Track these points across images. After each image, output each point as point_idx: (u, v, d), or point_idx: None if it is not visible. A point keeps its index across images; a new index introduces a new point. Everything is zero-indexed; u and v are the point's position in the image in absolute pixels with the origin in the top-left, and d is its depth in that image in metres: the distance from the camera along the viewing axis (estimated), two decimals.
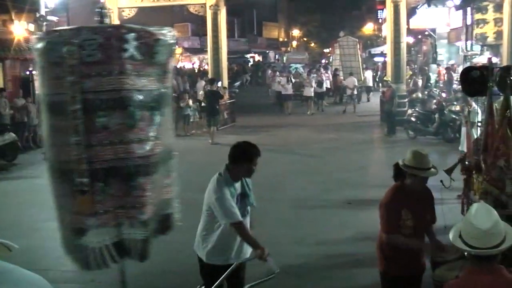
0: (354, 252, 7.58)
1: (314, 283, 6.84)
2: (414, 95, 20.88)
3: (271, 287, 4.63)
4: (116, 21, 20.85)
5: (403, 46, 20.23)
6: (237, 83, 36.97)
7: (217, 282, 4.50)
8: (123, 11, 20.98)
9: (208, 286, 4.53)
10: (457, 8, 25.55)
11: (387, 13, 21.28)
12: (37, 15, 20.56)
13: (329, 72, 31.15)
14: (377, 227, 4.92)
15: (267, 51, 58.65)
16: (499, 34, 20.45)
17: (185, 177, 5.61)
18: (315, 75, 28.24)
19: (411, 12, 25.94)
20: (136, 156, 3.58)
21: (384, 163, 11.69)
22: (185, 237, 5.35)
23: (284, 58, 55.54)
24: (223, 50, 21.57)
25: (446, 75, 24.79)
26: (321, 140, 17.44)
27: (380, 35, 51.22)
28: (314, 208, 9.92)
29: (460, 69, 19.76)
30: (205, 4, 20.82)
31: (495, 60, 17.05)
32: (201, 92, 20.11)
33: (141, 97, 3.58)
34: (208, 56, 22.16)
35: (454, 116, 15.77)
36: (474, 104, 10.94)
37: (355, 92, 26.56)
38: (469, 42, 24.03)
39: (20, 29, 18.66)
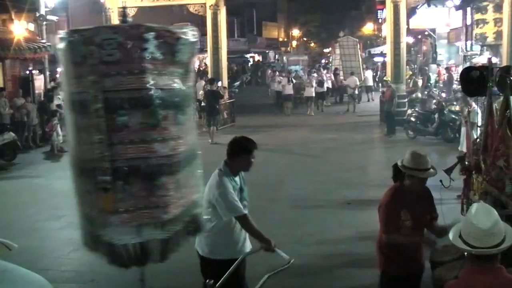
0: (353, 252, 7.59)
1: (314, 283, 6.84)
2: (413, 95, 20.88)
3: (271, 286, 4.63)
4: (116, 21, 20.85)
5: (403, 46, 20.24)
6: (237, 83, 36.99)
7: (226, 274, 4.57)
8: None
9: (216, 281, 4.56)
10: (457, 8, 25.55)
11: (387, 13, 21.28)
12: (37, 14, 20.60)
13: (330, 72, 31.07)
14: (376, 227, 4.92)
15: (267, 51, 58.68)
16: (498, 34, 20.45)
17: None
18: (315, 74, 28.23)
19: (411, 12, 25.94)
20: (159, 155, 3.57)
21: (384, 163, 11.69)
22: None
23: (284, 59, 55.54)
24: (223, 50, 21.58)
25: (446, 75, 24.80)
26: (320, 140, 17.44)
27: (380, 35, 51.21)
28: (314, 208, 9.93)
29: (460, 69, 19.77)
30: (205, 4, 20.84)
31: (494, 60, 17.05)
32: (200, 92, 20.11)
33: (163, 96, 3.57)
34: (208, 56, 22.17)
35: (453, 116, 15.77)
36: (474, 104, 10.95)
37: (356, 92, 26.59)
38: (469, 42, 24.02)
39: (20, 28, 18.66)
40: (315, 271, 7.07)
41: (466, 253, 3.13)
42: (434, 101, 18.17)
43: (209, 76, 21.32)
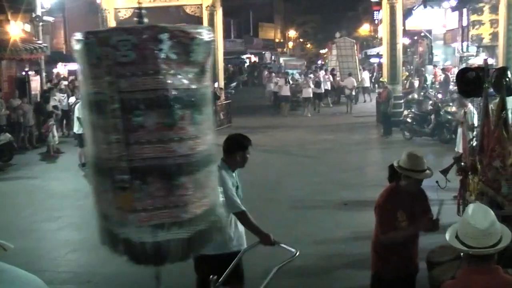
0: (351, 253, 7.60)
1: (313, 283, 6.86)
2: (410, 96, 20.91)
3: (271, 287, 4.63)
4: (112, 22, 20.86)
5: (399, 47, 20.27)
6: (233, 84, 36.96)
7: (227, 270, 4.65)
8: (119, 11, 20.95)
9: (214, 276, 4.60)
10: (453, 9, 25.59)
11: (383, 14, 21.31)
12: (33, 15, 20.55)
13: (328, 73, 30.99)
14: (373, 228, 4.92)
15: (263, 52, 58.66)
16: (495, 36, 20.49)
17: None
18: (311, 75, 28.24)
19: (407, 13, 25.96)
20: (177, 155, 3.59)
21: (380, 164, 11.71)
22: None
23: (281, 60, 55.55)
24: (219, 51, 21.59)
25: (442, 76, 24.83)
26: (317, 141, 17.46)
27: (376, 36, 51.26)
28: (311, 209, 9.93)
29: (456, 70, 19.81)
30: (201, 5, 20.84)
31: (490, 61, 17.07)
32: None
33: (178, 96, 3.58)
34: None
35: (450, 117, 15.80)
36: (470, 105, 10.98)
37: (353, 93, 26.64)
38: (465, 43, 24.06)
39: (16, 29, 18.61)
40: (314, 272, 7.08)
41: (462, 254, 3.14)
42: (430, 102, 18.19)
43: None
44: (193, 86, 3.68)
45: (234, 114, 22.38)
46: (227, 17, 26.73)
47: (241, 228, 5.08)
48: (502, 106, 5.61)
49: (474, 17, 21.60)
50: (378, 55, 35.26)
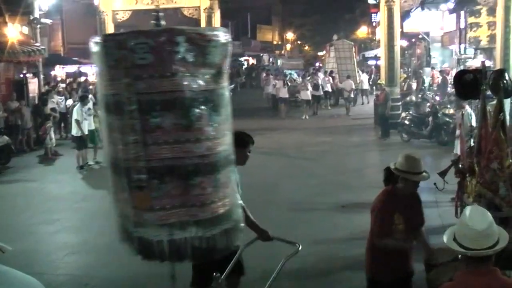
0: (349, 255, 7.59)
1: (311, 285, 6.87)
2: (408, 98, 20.94)
3: None
4: (110, 24, 20.85)
5: (397, 50, 20.28)
6: (231, 86, 36.89)
7: (229, 267, 4.71)
8: (117, 14, 20.95)
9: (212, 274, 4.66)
10: (451, 11, 25.66)
11: (381, 17, 21.34)
12: (31, 17, 20.54)
13: (328, 75, 30.94)
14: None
15: (261, 54, 58.71)
16: (492, 38, 20.54)
17: None
18: (309, 77, 28.25)
19: (405, 15, 26.01)
20: (194, 155, 3.65)
21: (378, 166, 11.66)
22: None
23: (279, 62, 55.60)
24: None
25: (440, 78, 24.86)
26: (315, 143, 17.46)
27: (374, 38, 51.31)
28: (309, 211, 9.94)
29: (453, 72, 19.81)
30: (199, 7, 20.84)
31: (488, 63, 17.13)
32: None
33: (195, 97, 3.64)
34: None
35: (447, 119, 15.82)
36: (467, 107, 11.00)
37: (352, 95, 26.67)
38: (462, 46, 24.12)
39: (14, 31, 18.59)
40: (312, 274, 7.09)
41: (460, 256, 3.15)
42: (428, 104, 18.22)
43: None
44: (210, 87, 3.73)
45: (232, 116, 22.33)
46: (225, 19, 26.73)
47: None
48: (500, 108, 5.62)
49: (471, 19, 21.67)
50: (376, 57, 35.30)
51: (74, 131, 14.30)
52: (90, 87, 23.54)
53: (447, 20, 26.88)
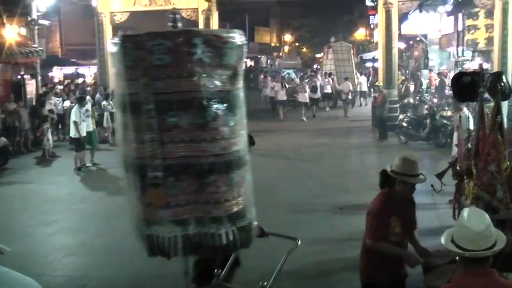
0: (347, 256, 7.58)
1: (310, 286, 6.86)
2: (405, 100, 20.96)
3: None
4: (108, 26, 20.84)
5: (395, 52, 20.32)
6: None
7: (228, 264, 4.80)
8: (115, 15, 20.94)
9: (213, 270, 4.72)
10: (449, 14, 25.71)
11: (379, 19, 21.39)
12: (29, 19, 20.51)
13: (328, 76, 30.90)
14: None
15: (259, 56, 58.72)
16: (490, 40, 20.59)
17: None
18: (307, 80, 28.26)
19: (403, 17, 26.07)
20: (209, 154, 3.72)
21: (376, 168, 11.66)
22: None
23: (276, 63, 55.64)
24: None
25: (438, 81, 24.91)
26: (313, 145, 17.47)
27: (372, 40, 51.42)
28: (307, 213, 9.94)
29: (451, 74, 19.85)
30: (197, 9, 20.85)
31: (486, 66, 17.17)
32: None
33: (211, 98, 3.72)
34: None
35: (445, 121, 15.84)
36: (465, 110, 11.00)
37: (350, 97, 26.68)
38: (460, 48, 24.18)
39: (11, 33, 18.58)
40: (311, 275, 7.10)
41: (458, 257, 3.15)
42: (426, 106, 18.23)
43: None
44: (226, 88, 3.81)
45: None
46: (222, 21, 26.68)
47: None
48: (497, 111, 5.63)
49: (469, 22, 21.72)
50: (374, 60, 35.32)
51: (73, 133, 14.28)
52: (88, 88, 23.53)
53: (445, 23, 26.94)
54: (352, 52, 34.35)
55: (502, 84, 5.88)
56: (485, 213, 3.13)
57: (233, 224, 3.79)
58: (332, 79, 29.80)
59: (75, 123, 14.04)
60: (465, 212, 3.11)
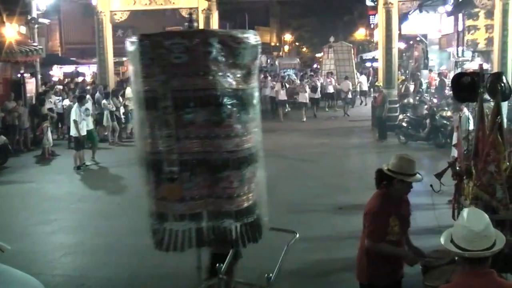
0: (347, 256, 7.57)
1: (310, 285, 6.86)
2: (405, 101, 20.95)
3: None
4: (108, 25, 20.83)
5: (395, 52, 20.32)
6: None
7: (227, 258, 4.76)
8: (115, 14, 20.93)
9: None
10: (449, 14, 25.71)
11: (379, 19, 21.40)
12: (29, 17, 20.49)
13: (330, 76, 30.87)
14: None
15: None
16: (490, 41, 20.59)
17: None
18: (307, 80, 28.25)
19: (403, 17, 26.08)
20: (223, 150, 3.85)
21: (375, 168, 11.67)
22: None
23: (276, 63, 55.63)
24: None
25: (437, 81, 24.91)
26: (313, 145, 17.47)
27: (372, 40, 51.44)
28: (307, 212, 9.94)
29: (451, 75, 19.85)
30: (197, 8, 20.84)
31: (486, 66, 17.15)
32: None
33: (226, 95, 3.83)
34: None
35: (445, 121, 15.84)
36: (465, 110, 11.00)
37: (350, 96, 26.68)
38: (460, 48, 24.18)
39: (11, 31, 18.57)
40: (311, 275, 7.11)
41: (457, 258, 3.15)
42: (426, 106, 18.24)
43: None
44: (241, 87, 3.94)
45: None
46: (222, 21, 26.65)
47: None
48: (497, 111, 5.63)
49: (469, 22, 21.71)
50: (374, 59, 35.31)
51: (73, 132, 14.28)
52: (88, 87, 23.51)
53: (445, 23, 26.94)
54: (352, 52, 34.37)
55: (502, 84, 5.88)
56: (485, 213, 3.12)
57: (243, 219, 3.90)
58: (334, 79, 29.82)
59: (75, 122, 14.04)
60: (465, 212, 3.11)
